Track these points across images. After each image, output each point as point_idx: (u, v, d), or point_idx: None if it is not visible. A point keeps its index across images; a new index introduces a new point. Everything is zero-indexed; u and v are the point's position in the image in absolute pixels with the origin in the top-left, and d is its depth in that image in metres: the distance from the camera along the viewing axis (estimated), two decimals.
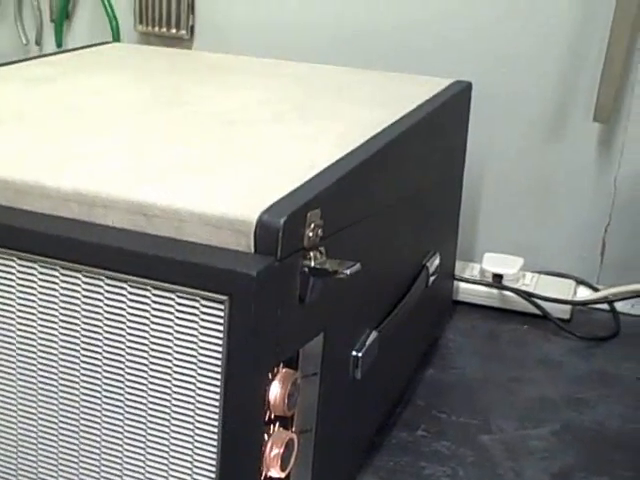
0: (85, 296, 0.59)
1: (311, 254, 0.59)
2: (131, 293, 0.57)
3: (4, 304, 0.62)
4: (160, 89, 0.90)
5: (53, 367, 0.61)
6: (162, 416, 0.59)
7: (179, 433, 0.59)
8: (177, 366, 0.57)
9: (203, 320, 0.56)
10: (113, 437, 0.61)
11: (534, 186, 1.16)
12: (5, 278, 0.61)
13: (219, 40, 1.29)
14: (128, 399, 0.60)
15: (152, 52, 1.13)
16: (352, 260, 0.61)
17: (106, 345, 0.59)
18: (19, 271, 0.61)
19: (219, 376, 0.56)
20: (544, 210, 1.17)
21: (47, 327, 0.61)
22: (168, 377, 0.58)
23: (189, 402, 0.58)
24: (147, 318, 0.57)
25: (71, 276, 0.59)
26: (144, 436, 0.60)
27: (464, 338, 1.09)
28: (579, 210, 1.15)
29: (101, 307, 0.59)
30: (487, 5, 1.13)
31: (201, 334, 0.56)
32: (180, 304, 0.56)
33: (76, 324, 0.60)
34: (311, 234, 0.60)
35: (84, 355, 0.60)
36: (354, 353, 0.74)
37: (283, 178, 0.64)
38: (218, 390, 0.56)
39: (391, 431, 0.89)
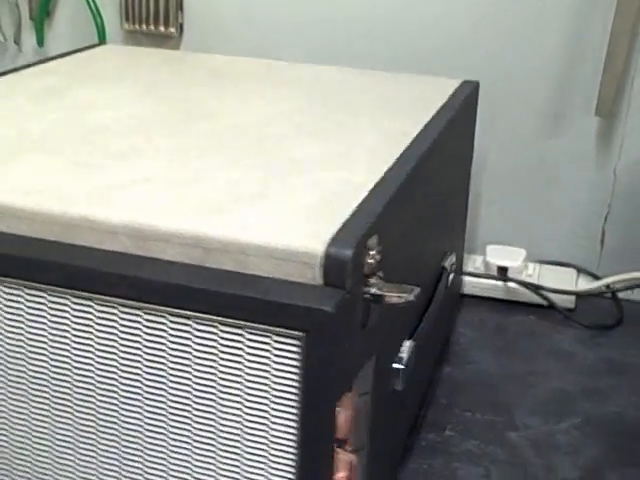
0: (147, 333, 0.58)
1: (371, 280, 0.59)
2: (197, 330, 0.57)
3: (60, 348, 0.61)
4: (175, 101, 0.89)
5: (113, 409, 0.61)
6: (234, 451, 0.59)
7: (252, 467, 0.59)
8: (248, 400, 0.57)
9: (276, 355, 0.56)
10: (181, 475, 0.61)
11: (535, 178, 1.18)
12: (60, 317, 0.60)
13: (208, 37, 1.27)
14: (196, 438, 0.59)
15: (150, 56, 1.10)
16: (392, 273, 0.61)
17: (171, 383, 0.59)
18: (74, 309, 0.60)
19: (294, 410, 0.56)
20: (545, 201, 1.18)
21: (105, 370, 0.60)
22: (239, 412, 0.58)
23: (262, 436, 0.57)
24: (215, 354, 0.57)
25: (131, 314, 0.58)
26: (214, 477, 0.60)
27: (474, 332, 1.11)
28: (579, 200, 1.17)
29: (165, 344, 0.58)
30: (488, 3, 1.13)
31: (274, 369, 0.56)
32: (251, 340, 0.56)
33: (138, 361, 0.59)
34: (371, 260, 0.60)
35: (147, 396, 0.60)
36: (395, 366, 0.74)
37: (336, 203, 0.63)
38: (293, 423, 0.56)
39: (419, 432, 0.91)
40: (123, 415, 0.61)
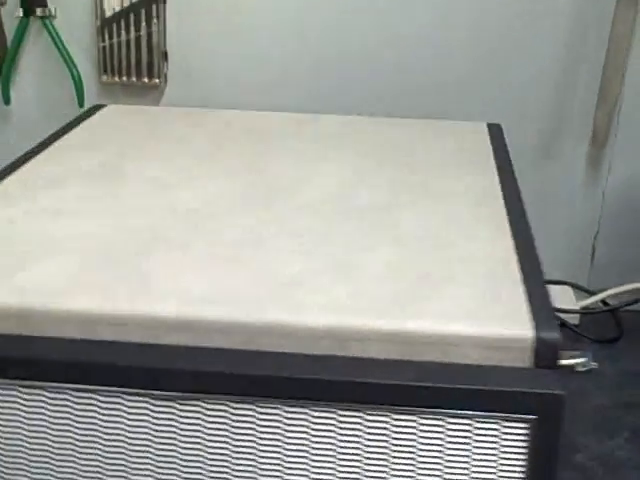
0: (369, 433, 0.59)
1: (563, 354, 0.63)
2: (422, 424, 0.58)
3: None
4: (239, 170, 0.88)
5: None
6: None
7: None
8: None
9: (504, 440, 0.58)
10: None
11: (529, 201, 1.25)
12: (274, 422, 0.60)
13: (192, 87, 1.25)
14: None
15: (164, 115, 1.07)
16: None
17: (394, 476, 0.60)
18: (289, 417, 0.59)
19: None
20: (539, 222, 1.26)
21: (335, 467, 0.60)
22: None
23: None
24: (441, 445, 0.59)
25: (351, 416, 0.59)
26: None
27: None
28: (571, 221, 1.26)
29: (388, 441, 0.59)
30: (483, 33, 1.18)
31: (501, 452, 0.58)
32: (479, 428, 0.58)
33: (358, 461, 0.60)
34: None
35: None
36: None
37: (499, 280, 0.66)
38: None
39: None
40: None
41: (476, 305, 0.62)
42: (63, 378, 0.60)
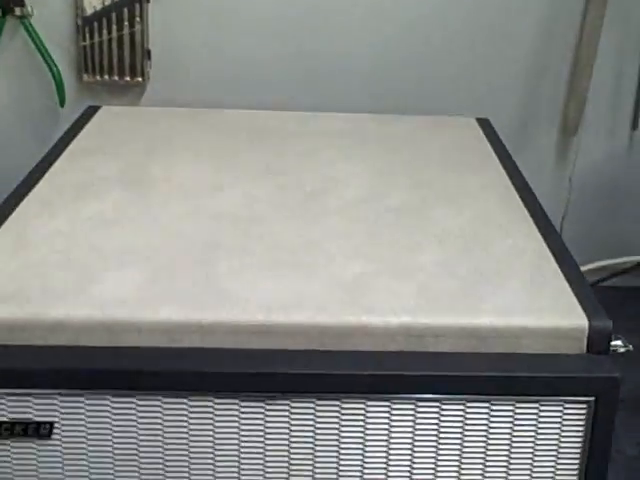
0: (445, 421, 0.64)
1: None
2: (494, 410, 0.64)
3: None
4: (265, 171, 0.90)
5: None
6: None
7: None
8: (536, 466, 0.65)
9: (565, 420, 0.64)
10: None
11: None
12: (357, 415, 0.64)
13: (174, 85, 1.25)
14: None
15: (165, 116, 1.07)
16: None
17: (468, 459, 0.66)
18: (371, 411, 0.64)
19: (576, 471, 0.65)
20: None
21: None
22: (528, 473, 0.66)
23: None
24: (510, 428, 0.64)
25: (431, 406, 0.64)
26: None
27: None
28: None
29: (460, 427, 0.64)
30: (454, 28, 1.23)
31: (563, 432, 0.65)
32: (543, 411, 0.64)
33: (434, 447, 0.65)
34: None
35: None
36: None
37: (541, 274, 0.72)
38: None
39: None
40: None
41: (530, 298, 0.68)
42: (152, 386, 0.63)
